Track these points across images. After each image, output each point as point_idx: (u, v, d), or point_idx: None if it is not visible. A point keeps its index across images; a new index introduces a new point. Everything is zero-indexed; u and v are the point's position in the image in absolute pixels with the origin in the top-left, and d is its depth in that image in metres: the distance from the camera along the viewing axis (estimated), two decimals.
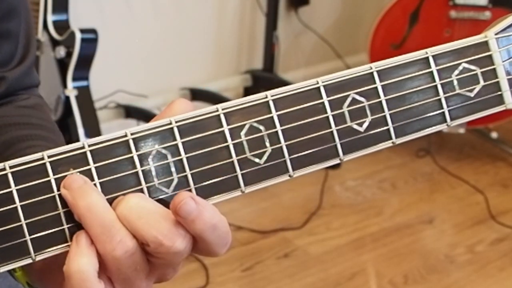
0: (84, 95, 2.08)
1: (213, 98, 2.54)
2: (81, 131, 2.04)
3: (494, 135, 2.57)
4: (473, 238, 2.12)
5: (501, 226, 2.17)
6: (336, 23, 2.99)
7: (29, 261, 0.48)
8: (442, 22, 2.43)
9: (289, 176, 0.51)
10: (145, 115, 2.39)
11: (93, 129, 2.07)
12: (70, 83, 2.05)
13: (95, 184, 0.48)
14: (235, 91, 2.73)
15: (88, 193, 0.48)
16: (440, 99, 0.53)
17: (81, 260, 0.48)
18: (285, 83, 2.50)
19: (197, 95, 2.61)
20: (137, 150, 0.49)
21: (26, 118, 0.74)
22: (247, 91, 2.75)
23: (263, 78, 2.72)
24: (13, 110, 0.75)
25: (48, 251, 0.48)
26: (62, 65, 2.06)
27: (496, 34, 0.53)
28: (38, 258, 0.48)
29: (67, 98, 2.04)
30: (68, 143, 0.51)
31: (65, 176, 0.48)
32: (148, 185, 0.49)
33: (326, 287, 1.92)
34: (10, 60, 0.75)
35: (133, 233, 0.48)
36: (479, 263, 2.02)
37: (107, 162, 0.48)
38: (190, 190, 0.50)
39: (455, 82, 0.53)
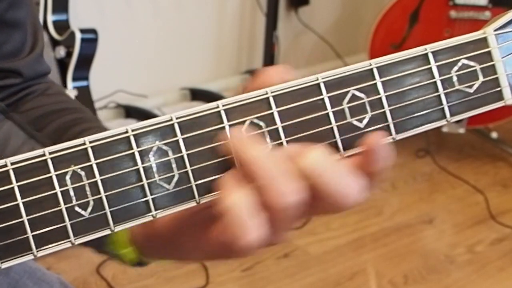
0: (84, 95, 2.08)
1: (213, 98, 2.53)
2: None
3: (494, 135, 2.57)
4: (473, 238, 2.13)
5: (501, 226, 2.17)
6: (336, 23, 3.00)
7: (30, 257, 0.48)
8: (442, 22, 2.43)
9: None
10: (145, 115, 2.39)
11: None
12: (70, 83, 2.05)
13: (96, 181, 0.49)
14: (235, 91, 2.74)
15: (253, 145, 0.48)
16: (439, 95, 0.53)
17: (238, 194, 0.48)
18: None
19: (197, 95, 2.62)
20: (138, 147, 0.49)
21: (62, 104, 0.75)
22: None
23: None
24: (46, 99, 0.76)
25: (50, 247, 0.48)
26: (62, 65, 2.06)
27: (495, 30, 0.53)
28: (40, 254, 0.48)
29: None
30: None
31: (65, 172, 0.48)
32: (149, 181, 0.49)
33: (326, 287, 1.92)
34: (21, 48, 0.76)
35: (312, 187, 0.48)
36: (479, 263, 2.02)
37: (108, 158, 0.49)
38: (191, 187, 0.50)
39: (455, 78, 0.53)
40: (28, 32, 0.77)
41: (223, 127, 0.50)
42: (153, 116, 2.37)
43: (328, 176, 0.48)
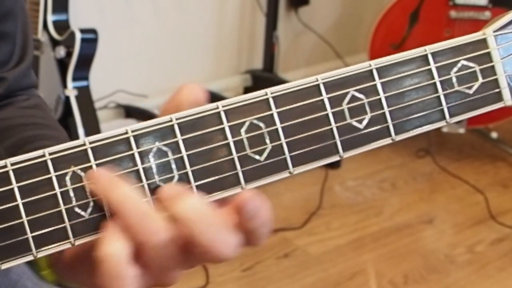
0: (84, 95, 2.08)
1: (213, 98, 2.53)
2: (81, 131, 2.04)
3: (494, 135, 2.57)
4: (473, 238, 2.12)
5: (501, 226, 2.17)
6: (336, 23, 2.99)
7: (30, 258, 0.48)
8: (442, 22, 2.43)
9: (289, 173, 0.51)
10: (145, 115, 2.39)
11: (93, 129, 2.07)
12: (70, 83, 2.05)
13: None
14: (235, 91, 2.74)
15: (120, 184, 0.48)
16: (439, 96, 0.53)
17: (114, 245, 0.48)
18: (285, 83, 2.49)
19: None
20: (137, 147, 0.49)
21: (30, 118, 0.75)
22: (247, 91, 2.73)
23: (263, 78, 2.72)
24: (16, 112, 0.75)
25: (50, 248, 0.48)
26: (62, 65, 2.06)
27: (494, 31, 0.53)
28: (40, 255, 0.48)
29: (67, 98, 2.04)
30: None
31: (65, 173, 0.48)
32: (149, 182, 0.49)
33: (326, 287, 1.92)
34: (8, 60, 0.76)
35: (187, 235, 0.48)
36: (479, 263, 2.02)
37: (108, 159, 0.49)
38: (190, 187, 0.50)
39: (454, 79, 0.53)
40: (17, 44, 0.77)
41: (223, 128, 0.50)
42: (153, 116, 2.37)
43: (203, 228, 0.48)
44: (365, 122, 0.52)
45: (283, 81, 2.61)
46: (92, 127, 2.08)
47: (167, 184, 0.49)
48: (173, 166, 0.49)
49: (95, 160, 0.48)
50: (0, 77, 0.75)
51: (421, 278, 1.95)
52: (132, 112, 2.44)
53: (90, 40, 2.07)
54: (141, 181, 0.49)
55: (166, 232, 0.48)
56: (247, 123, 0.50)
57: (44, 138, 0.71)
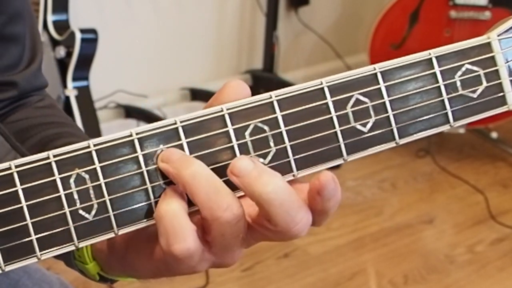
0: (84, 95, 2.08)
1: None
2: None
3: (494, 135, 2.58)
4: (473, 238, 2.13)
5: (501, 226, 2.18)
6: (336, 23, 2.99)
7: (34, 260, 0.48)
8: (442, 22, 2.43)
9: (293, 176, 0.51)
10: (145, 115, 2.39)
11: (93, 129, 2.07)
12: (70, 83, 2.05)
13: (100, 184, 0.49)
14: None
15: (190, 162, 0.48)
16: (443, 100, 0.53)
17: (171, 203, 0.48)
18: (285, 83, 2.50)
19: (197, 95, 2.62)
20: (142, 150, 0.49)
21: (49, 117, 0.75)
22: None
23: (263, 78, 2.72)
24: (32, 112, 0.76)
25: (53, 250, 0.48)
26: (62, 65, 2.06)
27: (499, 35, 0.53)
28: (44, 257, 0.48)
29: (67, 98, 2.04)
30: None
31: (70, 175, 0.48)
32: (153, 184, 0.49)
33: (326, 287, 1.92)
34: (18, 63, 0.76)
35: (264, 214, 0.48)
36: (479, 263, 2.02)
37: (112, 161, 0.49)
38: None
39: (458, 83, 0.53)
40: (26, 46, 0.77)
41: (227, 131, 0.50)
42: (153, 116, 2.37)
43: (285, 209, 0.48)
44: (369, 126, 0.52)
45: (283, 81, 2.62)
46: (92, 127, 2.08)
47: (240, 157, 0.49)
48: None
49: (100, 162, 0.48)
50: (12, 80, 0.75)
51: (421, 278, 1.95)
52: (132, 112, 2.44)
53: (90, 40, 2.07)
54: (145, 184, 0.49)
55: (237, 209, 0.48)
56: (251, 126, 0.50)
57: (67, 135, 0.72)
